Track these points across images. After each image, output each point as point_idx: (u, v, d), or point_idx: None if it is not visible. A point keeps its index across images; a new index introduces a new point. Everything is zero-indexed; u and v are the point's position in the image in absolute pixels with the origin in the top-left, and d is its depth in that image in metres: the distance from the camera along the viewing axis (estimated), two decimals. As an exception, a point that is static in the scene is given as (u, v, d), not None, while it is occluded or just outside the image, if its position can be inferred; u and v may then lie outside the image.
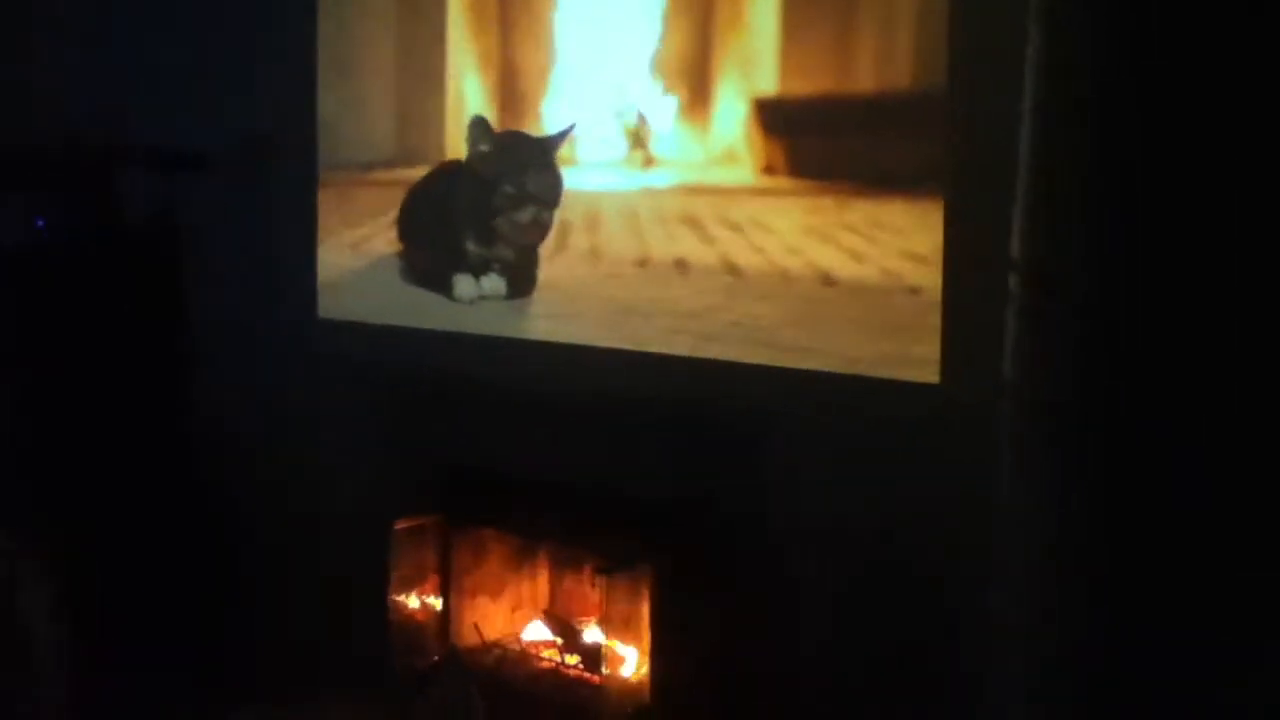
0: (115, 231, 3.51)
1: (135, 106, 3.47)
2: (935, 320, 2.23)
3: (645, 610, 2.66)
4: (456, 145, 2.96)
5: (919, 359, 2.25)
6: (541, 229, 2.83)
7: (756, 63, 2.48)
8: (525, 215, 2.83)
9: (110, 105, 3.50)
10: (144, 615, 3.21)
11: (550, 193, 2.82)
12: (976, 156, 2.18)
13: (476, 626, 2.99)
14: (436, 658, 2.98)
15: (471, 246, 2.92)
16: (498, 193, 2.86)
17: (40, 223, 3.40)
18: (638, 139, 2.70)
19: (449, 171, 2.98)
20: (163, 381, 3.50)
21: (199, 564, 3.37)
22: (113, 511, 3.33)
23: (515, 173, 2.84)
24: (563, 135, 2.81)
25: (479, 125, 2.90)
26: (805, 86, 2.43)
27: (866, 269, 2.33)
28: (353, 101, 3.19)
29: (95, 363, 3.45)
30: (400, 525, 2.98)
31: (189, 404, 3.49)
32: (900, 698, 2.30)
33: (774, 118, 2.47)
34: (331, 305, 3.24)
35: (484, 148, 2.89)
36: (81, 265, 3.46)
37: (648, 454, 2.64)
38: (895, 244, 2.29)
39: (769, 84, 2.48)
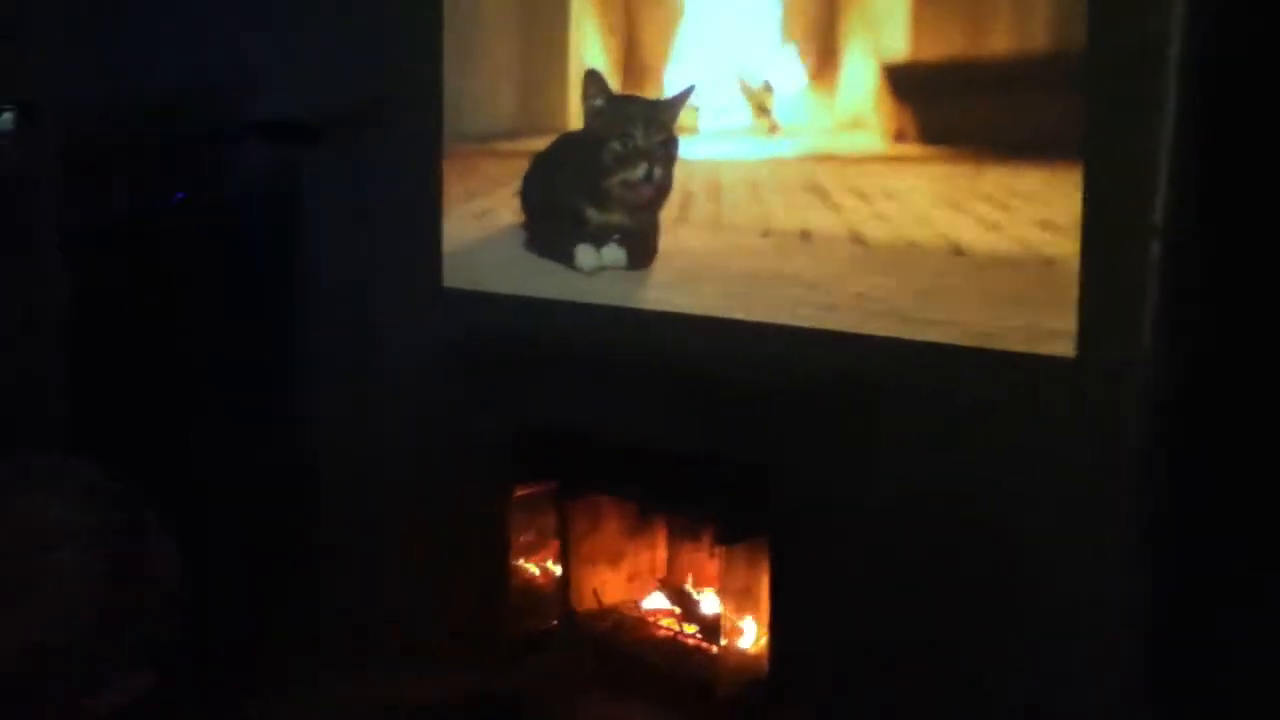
0: (239, 201, 3.62)
1: (261, 77, 3.56)
2: (1071, 292, 2.15)
3: (764, 581, 2.65)
4: (579, 114, 2.97)
5: (1053, 332, 2.17)
6: (654, 188, 2.79)
7: (886, 24, 2.41)
8: (636, 172, 2.80)
9: (235, 77, 3.60)
10: (260, 576, 3.33)
11: (661, 149, 2.78)
12: (1118, 120, 2.09)
13: (595, 592, 3.02)
14: (555, 622, 3.03)
15: (591, 214, 2.91)
16: (606, 149, 2.84)
17: (180, 196, 3.54)
18: (761, 106, 2.66)
19: (571, 140, 2.99)
20: (285, 349, 3.62)
21: (316, 527, 3.48)
22: (230, 475, 3.47)
23: (624, 128, 2.82)
24: (679, 97, 2.77)
25: (592, 78, 2.88)
26: (938, 49, 2.35)
27: (999, 239, 2.26)
28: (476, 72, 3.22)
29: (217, 330, 3.58)
30: (519, 492, 3.02)
31: (313, 372, 3.60)
32: (1023, 673, 2.25)
33: (905, 82, 2.40)
34: (455, 275, 3.29)
35: (598, 102, 2.87)
36: (209, 234, 3.58)
37: (767, 425, 2.62)
38: (1031, 213, 2.21)
39: (899, 47, 2.41)
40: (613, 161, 2.84)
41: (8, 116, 3.35)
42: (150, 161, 3.60)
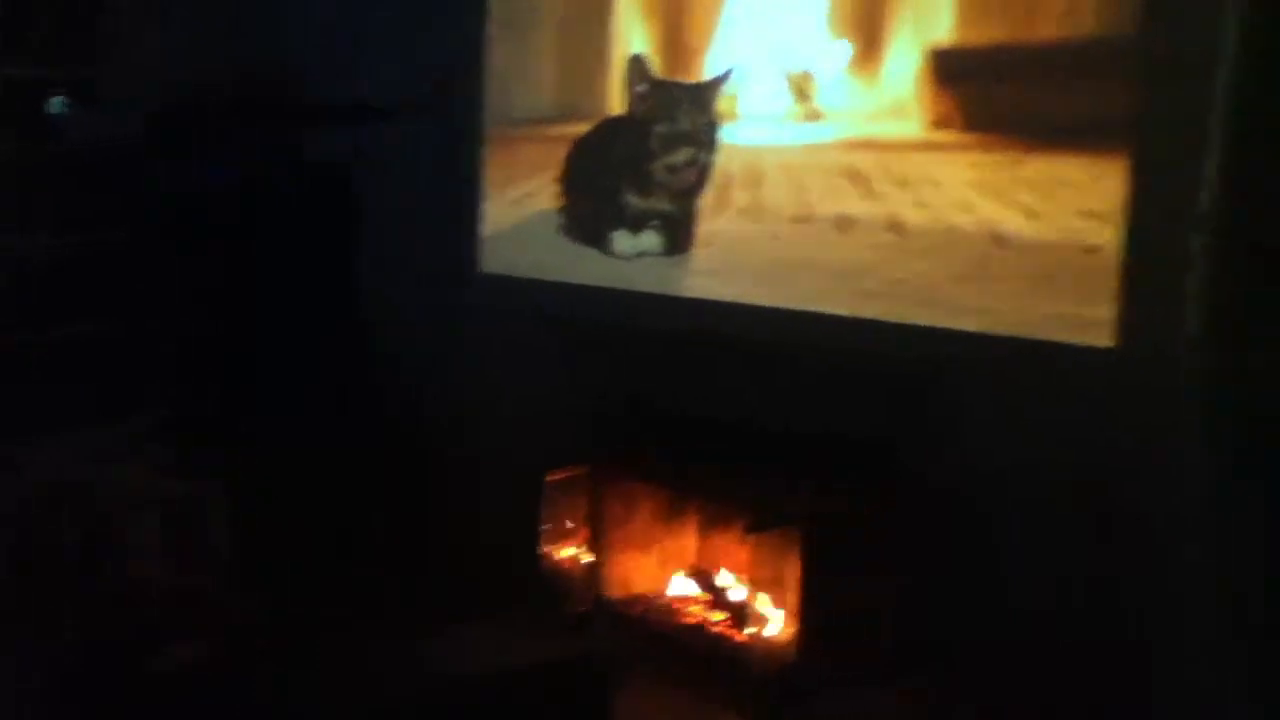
0: (292, 182, 3.65)
1: (310, 61, 3.59)
2: (1112, 281, 2.12)
3: (793, 570, 2.63)
4: (621, 99, 2.97)
5: (1094, 320, 2.15)
6: (699, 171, 2.79)
7: (932, 9, 2.40)
8: (680, 156, 2.80)
9: (287, 59, 3.63)
10: (311, 556, 3.35)
11: (705, 133, 2.78)
12: (1166, 108, 2.06)
13: (625, 579, 3.02)
14: (584, 609, 3.03)
15: (631, 199, 2.91)
16: (652, 135, 2.84)
17: (237, 175, 3.57)
18: (803, 92, 2.65)
19: (613, 126, 2.99)
20: (334, 333, 3.64)
21: (363, 504, 3.49)
22: (285, 447, 3.49)
23: (668, 112, 2.82)
24: (720, 79, 2.77)
25: (636, 63, 2.88)
26: (983, 34, 2.33)
27: (1041, 226, 2.24)
28: (519, 57, 3.23)
29: (273, 313, 3.62)
30: (553, 477, 3.03)
31: (359, 355, 3.62)
32: (1060, 658, 2.22)
33: (950, 68, 2.38)
34: (494, 259, 3.30)
35: (641, 88, 2.87)
36: (262, 212, 3.62)
37: (801, 412, 2.61)
38: (1073, 201, 2.19)
39: (944, 32, 2.39)
40: (659, 146, 2.83)
41: (58, 100, 3.42)
42: (212, 142, 3.64)
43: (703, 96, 2.80)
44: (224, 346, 3.55)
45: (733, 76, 2.76)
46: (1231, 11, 1.85)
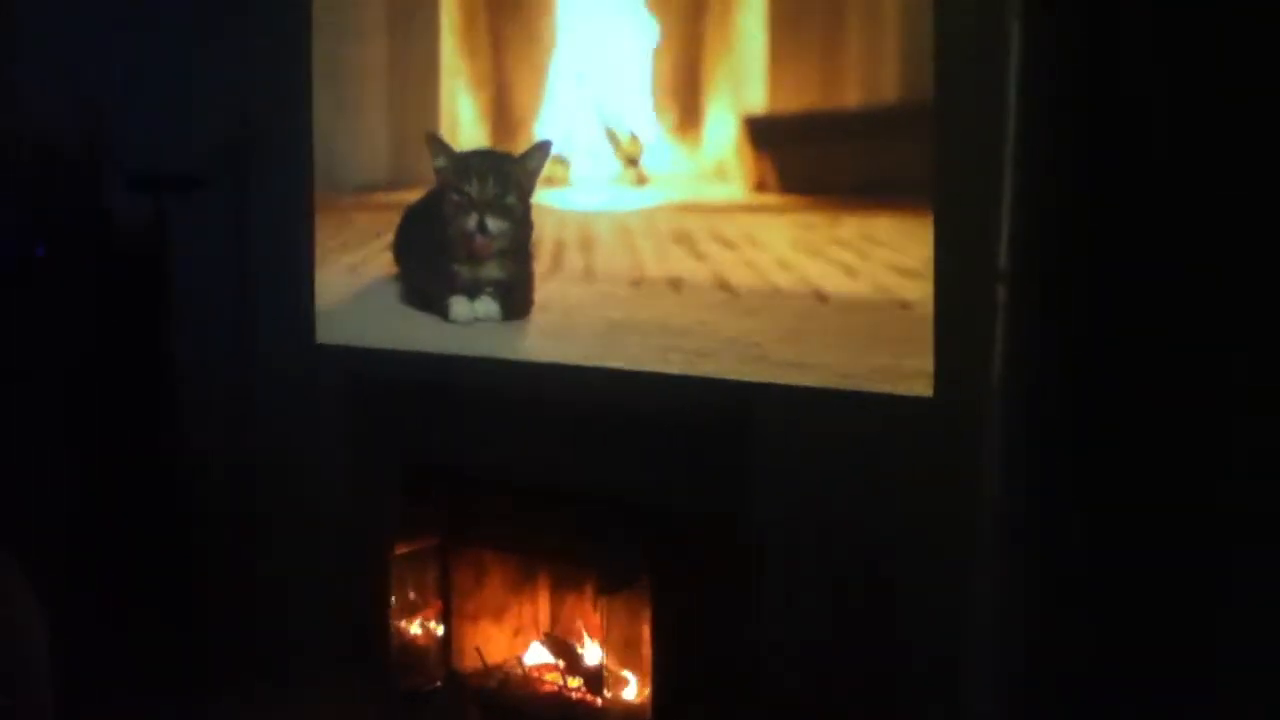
0: (106, 253, 3.52)
1: (126, 129, 3.49)
2: (927, 334, 2.22)
3: (646, 631, 2.64)
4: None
5: (912, 372, 2.24)
6: (488, 240, 2.82)
7: (746, 79, 2.49)
8: (469, 222, 2.83)
9: (100, 124, 3.52)
10: (131, 637, 3.20)
11: (496, 200, 2.82)
12: (963, 169, 2.18)
13: (478, 650, 2.98)
14: (438, 683, 2.97)
15: (459, 267, 2.92)
16: (446, 200, 2.88)
17: (40, 250, 3.42)
18: (630, 158, 2.71)
19: (437, 195, 3.00)
20: (154, 406, 3.51)
21: (189, 588, 3.36)
22: (101, 532, 3.34)
23: (459, 181, 2.86)
24: (530, 151, 2.82)
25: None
26: (794, 102, 2.43)
27: (858, 283, 2.33)
28: (348, 124, 3.21)
29: (85, 384, 3.46)
30: (399, 550, 2.97)
31: (181, 428, 3.49)
32: (892, 700, 2.28)
33: (763, 133, 2.47)
34: (329, 330, 3.25)
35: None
36: (71, 286, 3.47)
37: (643, 470, 2.63)
38: (886, 258, 2.29)
39: (758, 100, 2.48)
40: (450, 213, 2.87)
41: None
42: (12, 208, 3.48)
43: (503, 167, 2.84)
44: (30, 426, 3.37)
45: (546, 149, 2.81)
46: (1016, 77, 1.97)
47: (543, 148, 2.82)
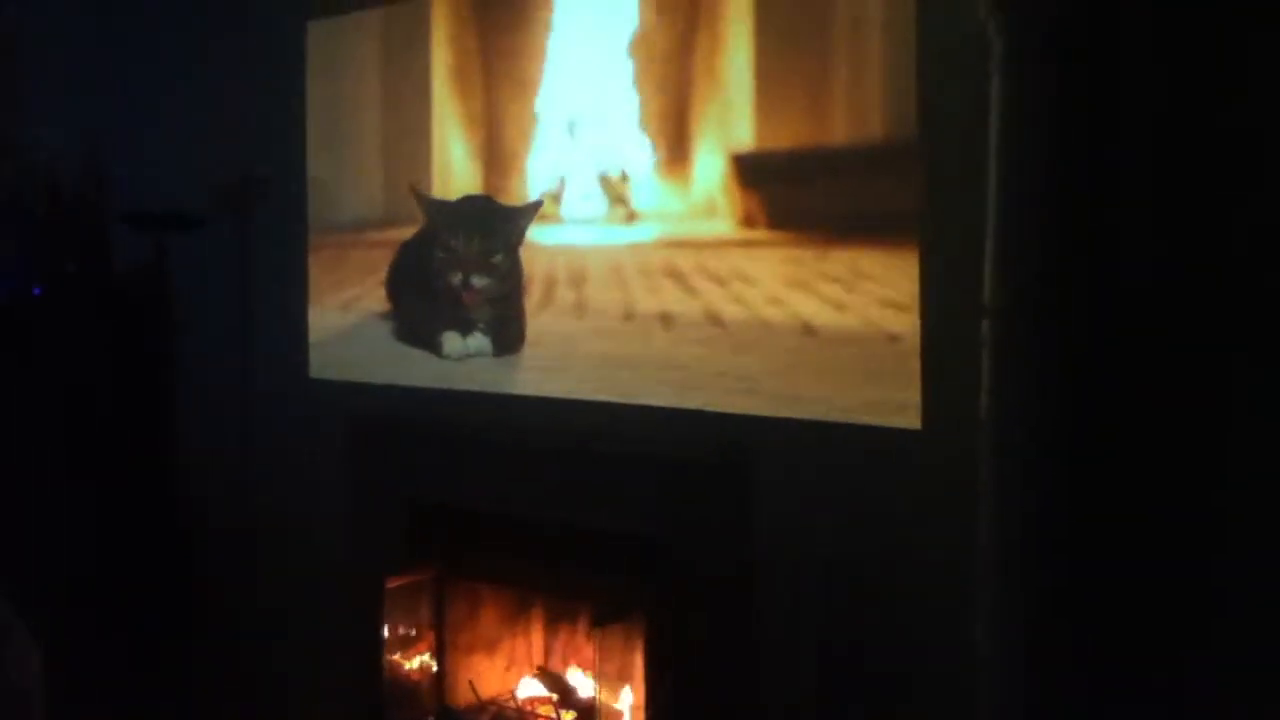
0: (105, 290, 3.55)
1: (127, 167, 3.52)
2: (915, 366, 2.25)
3: (639, 662, 2.64)
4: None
5: (901, 405, 2.26)
6: (475, 293, 2.88)
7: (733, 118, 2.53)
8: (455, 278, 2.89)
9: (102, 164, 3.55)
10: (133, 675, 3.20)
11: (481, 259, 2.86)
12: (948, 204, 2.21)
13: (471, 684, 2.98)
14: (431, 718, 2.96)
15: (450, 306, 2.96)
16: (434, 253, 2.94)
17: (37, 291, 3.44)
18: (619, 195, 2.74)
19: (426, 235, 3.04)
20: (151, 443, 3.52)
21: (186, 622, 3.36)
22: (99, 566, 3.34)
23: (447, 237, 2.92)
24: (523, 208, 2.86)
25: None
26: (781, 139, 2.47)
27: (847, 318, 2.36)
28: (343, 164, 3.25)
29: (86, 416, 3.47)
30: (393, 583, 2.97)
31: (180, 462, 3.50)
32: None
33: (751, 171, 2.51)
34: (323, 365, 3.27)
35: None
36: (71, 325, 3.49)
37: (636, 503, 2.65)
38: (875, 292, 2.32)
39: (745, 138, 2.52)
40: (437, 267, 2.93)
41: None
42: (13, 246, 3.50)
43: (492, 221, 2.89)
44: (31, 466, 3.38)
45: (537, 208, 2.85)
46: (998, 115, 2.00)
47: (534, 207, 2.86)
